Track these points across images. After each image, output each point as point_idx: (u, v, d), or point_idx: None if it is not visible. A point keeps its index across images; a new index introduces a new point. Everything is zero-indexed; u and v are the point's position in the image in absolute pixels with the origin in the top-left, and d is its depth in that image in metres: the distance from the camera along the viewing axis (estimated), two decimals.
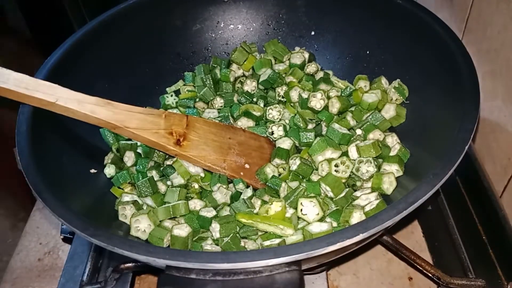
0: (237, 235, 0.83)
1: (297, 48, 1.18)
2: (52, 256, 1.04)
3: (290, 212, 0.85)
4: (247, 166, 0.96)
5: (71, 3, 1.46)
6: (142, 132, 0.85)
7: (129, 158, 0.97)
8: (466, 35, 1.01)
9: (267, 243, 0.81)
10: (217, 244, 0.83)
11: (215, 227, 0.83)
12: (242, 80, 1.16)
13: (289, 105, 1.08)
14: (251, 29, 1.21)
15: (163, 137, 0.88)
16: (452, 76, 0.81)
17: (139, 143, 1.00)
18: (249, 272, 0.58)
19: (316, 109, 1.03)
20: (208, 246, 0.82)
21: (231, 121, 1.06)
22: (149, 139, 0.86)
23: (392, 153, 0.91)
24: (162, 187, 0.93)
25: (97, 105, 0.82)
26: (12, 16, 1.44)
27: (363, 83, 1.06)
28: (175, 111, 1.09)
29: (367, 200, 0.83)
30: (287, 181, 0.92)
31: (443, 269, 0.83)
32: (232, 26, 1.21)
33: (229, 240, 0.81)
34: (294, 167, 0.92)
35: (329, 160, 0.91)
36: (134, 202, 0.87)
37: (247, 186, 0.93)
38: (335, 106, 1.02)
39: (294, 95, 1.07)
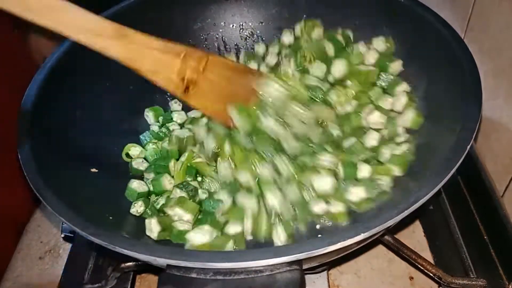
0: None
1: None
2: (53, 255, 1.03)
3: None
4: None
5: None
6: (152, 75, 0.82)
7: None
8: (468, 34, 1.00)
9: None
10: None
11: None
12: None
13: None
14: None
15: (172, 83, 0.84)
16: (454, 75, 0.81)
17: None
18: (250, 272, 0.58)
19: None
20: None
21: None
22: (158, 83, 0.84)
23: (396, 153, 0.89)
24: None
25: (112, 39, 0.76)
26: None
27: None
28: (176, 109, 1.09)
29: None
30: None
31: (444, 268, 0.83)
32: (233, 25, 1.20)
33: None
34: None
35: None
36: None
37: None
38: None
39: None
